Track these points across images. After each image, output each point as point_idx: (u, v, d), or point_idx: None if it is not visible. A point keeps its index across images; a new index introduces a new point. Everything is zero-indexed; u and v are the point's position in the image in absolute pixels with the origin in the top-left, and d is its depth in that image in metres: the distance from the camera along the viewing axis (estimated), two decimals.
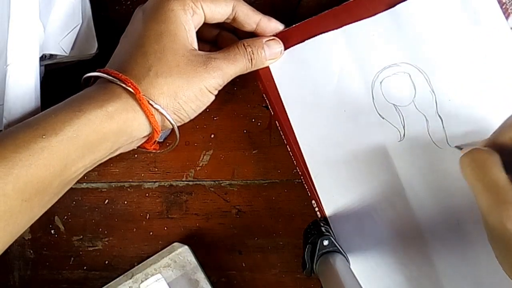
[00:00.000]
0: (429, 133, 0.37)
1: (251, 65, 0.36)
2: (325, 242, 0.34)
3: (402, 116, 0.37)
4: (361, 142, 0.37)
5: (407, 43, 0.37)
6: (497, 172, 0.28)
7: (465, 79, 0.36)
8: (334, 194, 0.37)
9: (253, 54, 0.36)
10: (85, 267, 0.43)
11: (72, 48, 0.39)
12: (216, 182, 0.42)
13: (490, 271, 0.36)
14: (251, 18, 0.37)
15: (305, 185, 0.39)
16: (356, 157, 0.37)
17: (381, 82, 0.37)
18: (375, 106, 0.37)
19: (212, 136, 0.42)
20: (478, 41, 0.36)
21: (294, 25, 0.38)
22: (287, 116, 0.38)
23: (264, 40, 0.37)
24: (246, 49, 0.36)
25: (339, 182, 0.37)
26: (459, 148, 0.35)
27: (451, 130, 0.36)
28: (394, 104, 0.37)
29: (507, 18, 0.37)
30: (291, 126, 0.38)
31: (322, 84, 0.38)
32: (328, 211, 0.37)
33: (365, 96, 0.37)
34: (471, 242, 0.36)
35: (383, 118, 0.37)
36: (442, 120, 0.36)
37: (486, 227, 0.30)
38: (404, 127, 0.37)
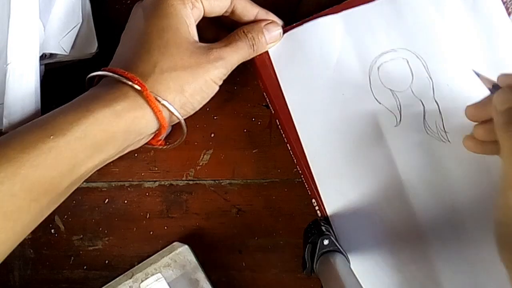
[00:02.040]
0: (425, 118, 0.37)
1: (253, 51, 0.37)
2: (325, 242, 0.34)
3: (399, 101, 0.37)
4: (358, 126, 0.37)
5: (405, 29, 0.37)
6: None
7: (462, 65, 0.37)
8: (330, 176, 0.37)
9: (254, 39, 0.36)
10: (85, 267, 0.43)
11: (72, 47, 0.39)
12: (216, 181, 0.42)
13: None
14: (249, 11, 0.37)
15: (305, 184, 0.39)
16: (352, 140, 0.37)
17: (378, 67, 0.37)
18: (372, 91, 0.37)
19: (212, 135, 0.42)
20: (476, 27, 0.37)
21: (294, 24, 0.38)
22: (287, 111, 0.38)
23: (263, 24, 0.37)
24: (246, 35, 0.36)
25: (337, 168, 0.37)
26: (476, 73, 0.34)
27: (447, 115, 0.37)
28: (391, 89, 0.37)
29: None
30: (291, 124, 0.38)
31: (320, 68, 0.38)
32: (326, 199, 0.37)
33: (362, 81, 0.37)
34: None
35: (379, 103, 0.37)
36: (438, 106, 0.37)
37: (498, 207, 0.29)
38: (400, 112, 0.37)
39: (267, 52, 0.38)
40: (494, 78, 0.32)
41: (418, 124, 0.37)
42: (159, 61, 0.33)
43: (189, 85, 0.34)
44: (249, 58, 0.37)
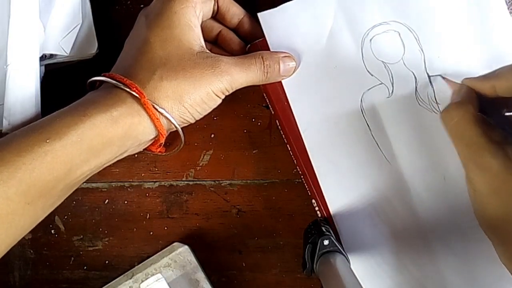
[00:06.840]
0: (417, 90, 0.37)
1: (266, 77, 0.36)
2: (326, 242, 0.34)
3: (391, 73, 0.37)
4: (350, 98, 0.37)
5: (397, 2, 0.37)
6: (473, 128, 0.30)
7: (454, 38, 0.37)
8: (324, 149, 0.38)
9: (269, 67, 0.36)
10: (85, 267, 0.43)
11: (72, 48, 0.39)
12: (216, 182, 0.42)
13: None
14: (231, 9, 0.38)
15: (305, 184, 0.39)
16: (345, 113, 0.37)
17: (371, 40, 0.37)
18: (364, 63, 0.37)
19: (212, 136, 0.42)
20: (467, 0, 0.37)
21: None
22: (286, 109, 0.38)
23: (281, 55, 0.37)
24: (263, 61, 0.36)
25: (331, 142, 0.38)
26: (442, 77, 0.36)
27: (439, 87, 0.37)
28: (383, 62, 0.37)
29: None
30: (291, 124, 0.38)
31: (312, 41, 0.38)
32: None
33: (354, 53, 0.38)
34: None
35: (372, 75, 0.37)
36: (430, 78, 0.37)
37: (470, 193, 0.30)
38: (392, 84, 0.37)
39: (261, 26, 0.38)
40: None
41: (410, 96, 0.37)
42: (159, 69, 0.33)
43: (189, 95, 0.33)
44: (259, 84, 0.37)
